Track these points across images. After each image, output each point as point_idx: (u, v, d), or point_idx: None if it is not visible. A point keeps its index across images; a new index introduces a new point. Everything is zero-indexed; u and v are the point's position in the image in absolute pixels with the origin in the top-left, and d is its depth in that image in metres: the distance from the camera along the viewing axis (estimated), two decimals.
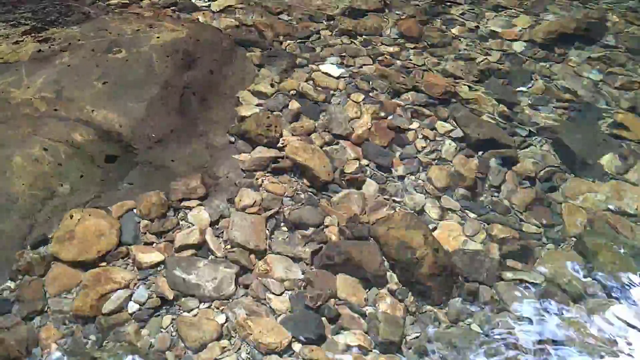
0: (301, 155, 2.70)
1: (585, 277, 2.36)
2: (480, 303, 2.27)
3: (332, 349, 2.07)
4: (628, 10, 4.12)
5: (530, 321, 2.20)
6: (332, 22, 3.79)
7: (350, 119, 3.00)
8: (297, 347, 2.06)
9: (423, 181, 2.76)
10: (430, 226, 2.53)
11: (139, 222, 2.41)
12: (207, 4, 3.84)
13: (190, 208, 2.49)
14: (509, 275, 2.37)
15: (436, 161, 2.86)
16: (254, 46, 3.45)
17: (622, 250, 2.41)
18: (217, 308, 2.16)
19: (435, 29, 3.82)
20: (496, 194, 2.74)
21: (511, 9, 4.08)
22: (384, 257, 2.35)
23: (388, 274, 2.33)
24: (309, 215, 2.50)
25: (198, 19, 3.64)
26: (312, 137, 2.89)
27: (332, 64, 3.39)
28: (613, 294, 2.30)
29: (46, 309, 2.11)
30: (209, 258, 2.32)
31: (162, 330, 2.08)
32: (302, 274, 2.30)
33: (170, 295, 2.16)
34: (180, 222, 2.44)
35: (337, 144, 2.89)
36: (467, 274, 2.34)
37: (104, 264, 2.24)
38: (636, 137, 3.03)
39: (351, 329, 2.14)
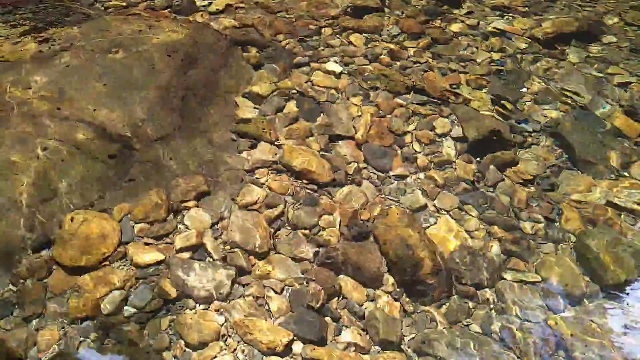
0: (299, 158, 2.70)
1: (584, 276, 2.36)
2: (479, 303, 2.28)
3: (332, 347, 2.07)
4: (628, 10, 4.12)
5: (530, 321, 2.20)
6: (332, 21, 3.79)
7: (350, 119, 3.00)
8: (297, 346, 2.06)
9: (422, 181, 2.76)
10: (429, 226, 2.53)
11: (139, 223, 2.41)
12: (206, 4, 3.84)
13: (190, 208, 2.49)
14: (508, 275, 2.37)
15: (436, 160, 2.86)
16: (253, 46, 3.45)
17: (622, 249, 2.41)
18: (216, 308, 2.17)
19: (435, 28, 3.82)
20: (496, 193, 2.74)
21: (512, 8, 4.08)
22: (382, 257, 2.35)
23: (386, 274, 2.33)
24: (309, 215, 2.50)
25: (197, 19, 3.64)
26: (311, 138, 2.89)
27: (332, 63, 3.38)
28: (612, 294, 2.30)
29: (46, 310, 2.11)
30: (209, 258, 2.32)
31: (161, 330, 2.08)
32: (303, 274, 2.30)
33: (170, 295, 2.17)
34: (181, 223, 2.44)
35: (336, 144, 2.89)
36: (466, 274, 2.34)
37: (104, 265, 2.24)
38: (635, 135, 3.03)
39: (351, 328, 2.15)
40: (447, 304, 2.26)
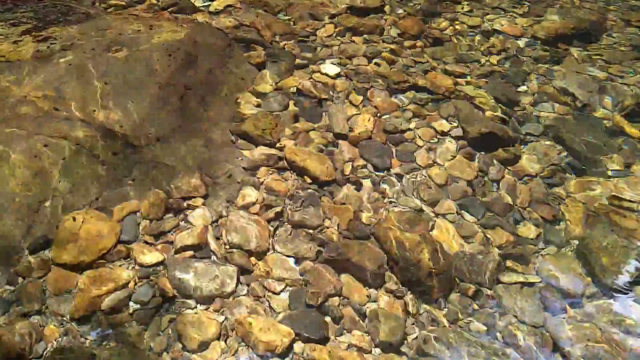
0: (300, 158, 2.70)
1: (586, 277, 2.36)
2: (480, 303, 2.27)
3: (333, 347, 2.06)
4: (628, 10, 4.12)
5: (530, 322, 2.20)
6: (332, 20, 3.79)
7: (350, 118, 2.99)
8: (298, 346, 2.06)
9: (422, 181, 2.75)
10: (430, 226, 2.52)
11: (139, 223, 2.40)
12: (206, 4, 3.84)
13: (190, 208, 2.49)
14: (509, 275, 2.36)
15: (436, 161, 2.86)
16: (254, 46, 3.45)
17: (623, 250, 2.40)
18: (217, 308, 2.16)
19: (435, 28, 3.82)
20: (496, 194, 2.73)
21: (512, 7, 4.08)
22: (384, 257, 2.35)
23: (387, 273, 2.33)
24: (310, 215, 2.50)
25: (197, 19, 3.64)
26: (312, 138, 2.88)
27: (331, 63, 3.39)
28: (614, 295, 2.30)
29: (45, 309, 2.11)
30: (209, 258, 2.32)
31: (162, 330, 2.08)
32: (303, 273, 2.29)
33: (170, 295, 2.16)
34: (181, 222, 2.43)
35: (336, 144, 2.88)
36: (467, 274, 2.33)
37: (104, 264, 2.24)
38: (636, 134, 3.03)
39: (352, 329, 2.14)
40: (448, 304, 2.25)
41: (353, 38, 3.65)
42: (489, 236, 2.51)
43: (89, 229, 2.28)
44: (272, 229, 2.45)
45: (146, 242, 2.34)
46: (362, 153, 2.84)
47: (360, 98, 3.15)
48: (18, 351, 1.95)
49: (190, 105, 2.90)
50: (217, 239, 2.38)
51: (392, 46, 3.59)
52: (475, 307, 2.26)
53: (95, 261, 2.23)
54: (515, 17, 3.97)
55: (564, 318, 2.21)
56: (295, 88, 3.17)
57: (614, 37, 3.81)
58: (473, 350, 2.07)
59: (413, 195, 2.67)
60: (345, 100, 3.13)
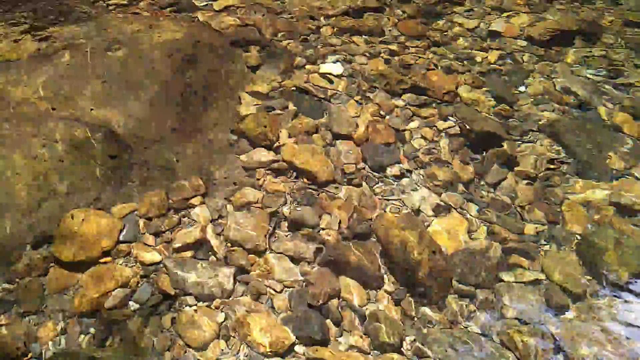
0: (299, 158, 2.70)
1: (586, 276, 2.36)
2: (479, 303, 2.27)
3: (334, 348, 2.06)
4: (626, 10, 4.12)
5: (531, 321, 2.20)
6: (332, 20, 3.78)
7: (350, 118, 2.99)
8: (299, 347, 2.06)
9: (422, 180, 2.75)
10: (429, 225, 2.52)
11: (140, 222, 2.40)
12: (206, 3, 3.83)
13: (190, 208, 2.49)
14: (508, 275, 2.36)
15: (436, 160, 2.86)
16: (254, 45, 3.45)
17: (624, 249, 2.40)
18: (217, 307, 2.17)
19: (435, 28, 3.81)
20: (496, 193, 2.73)
21: (511, 7, 4.08)
22: (382, 258, 2.35)
23: (386, 275, 2.33)
24: (309, 214, 2.50)
25: (198, 18, 3.64)
26: (312, 137, 2.88)
27: (332, 62, 3.38)
28: (615, 294, 2.30)
29: (45, 307, 2.11)
30: (209, 257, 2.32)
31: (162, 329, 2.08)
32: (302, 273, 2.29)
33: (170, 293, 2.17)
34: (181, 222, 2.43)
35: (336, 143, 2.88)
36: (466, 274, 2.33)
37: (104, 261, 2.24)
38: (636, 135, 3.03)
39: (351, 330, 2.14)
40: (447, 305, 2.25)
41: (353, 38, 3.64)
42: (489, 235, 2.51)
43: (89, 227, 2.28)
44: (271, 229, 2.44)
45: (146, 242, 2.34)
46: (362, 152, 2.84)
47: (361, 98, 3.15)
48: (16, 352, 1.95)
49: (190, 106, 2.90)
50: (217, 238, 2.38)
51: (392, 46, 3.58)
52: (475, 307, 2.26)
53: (96, 260, 2.23)
54: (515, 17, 3.97)
55: (565, 316, 2.21)
56: (295, 87, 3.16)
57: (612, 38, 3.80)
58: (472, 351, 2.07)
59: (413, 195, 2.67)
60: (346, 100, 3.13)
